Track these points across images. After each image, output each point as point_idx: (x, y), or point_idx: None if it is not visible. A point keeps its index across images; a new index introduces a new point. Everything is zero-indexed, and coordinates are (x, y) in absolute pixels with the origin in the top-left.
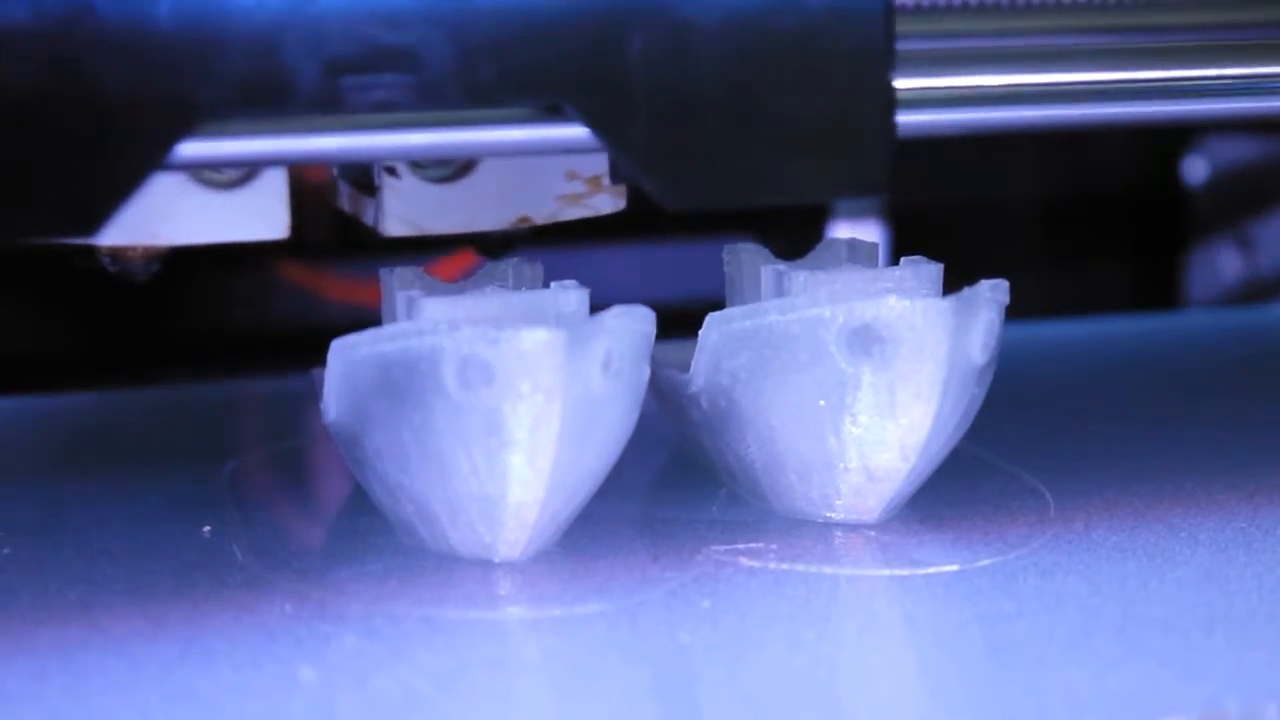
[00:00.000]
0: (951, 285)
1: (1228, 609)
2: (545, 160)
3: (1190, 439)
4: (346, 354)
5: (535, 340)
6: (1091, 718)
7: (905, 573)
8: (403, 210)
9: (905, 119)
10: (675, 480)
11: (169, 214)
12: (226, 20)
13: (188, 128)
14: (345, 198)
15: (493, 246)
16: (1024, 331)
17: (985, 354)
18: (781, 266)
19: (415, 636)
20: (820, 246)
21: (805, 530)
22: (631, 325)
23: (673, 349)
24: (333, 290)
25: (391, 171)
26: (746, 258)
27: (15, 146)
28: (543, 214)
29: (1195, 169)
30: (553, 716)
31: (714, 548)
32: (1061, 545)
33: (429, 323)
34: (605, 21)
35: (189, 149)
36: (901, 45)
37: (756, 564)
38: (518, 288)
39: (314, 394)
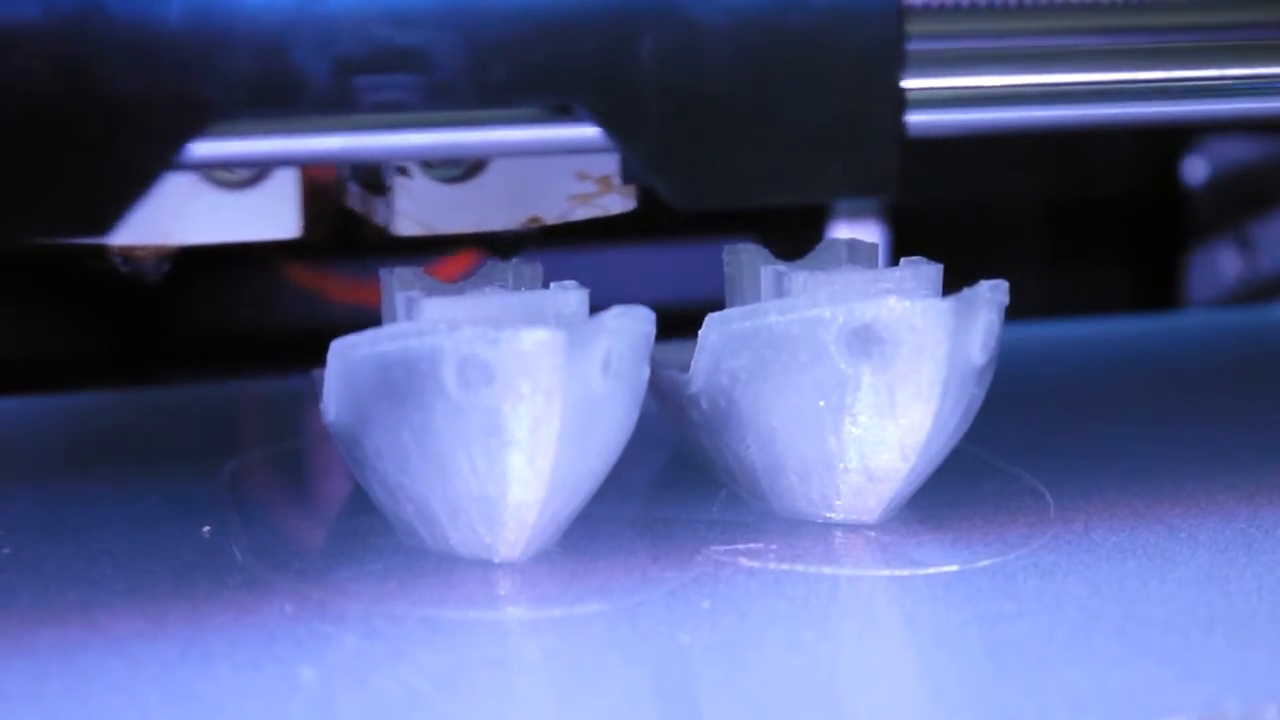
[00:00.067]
0: (951, 286)
1: (1228, 609)
2: (555, 160)
3: (1190, 439)
4: (346, 354)
5: (535, 340)
6: (1091, 718)
7: (905, 573)
8: (414, 210)
9: (915, 119)
10: (675, 480)
11: (180, 214)
12: (237, 20)
13: (198, 127)
14: (355, 198)
15: (503, 246)
16: (1024, 331)
17: (985, 354)
18: (781, 267)
19: (415, 637)
20: (820, 247)
21: (805, 530)
22: (631, 325)
23: (673, 349)
24: (336, 291)
25: (403, 171)
26: (746, 258)
27: (27, 146)
28: (553, 214)
29: (1195, 169)
30: (553, 716)
31: (714, 548)
32: (1061, 545)
33: (429, 323)
34: (615, 22)
35: (200, 149)
36: (910, 45)
37: (756, 564)
38: (517, 288)
39: (314, 394)
